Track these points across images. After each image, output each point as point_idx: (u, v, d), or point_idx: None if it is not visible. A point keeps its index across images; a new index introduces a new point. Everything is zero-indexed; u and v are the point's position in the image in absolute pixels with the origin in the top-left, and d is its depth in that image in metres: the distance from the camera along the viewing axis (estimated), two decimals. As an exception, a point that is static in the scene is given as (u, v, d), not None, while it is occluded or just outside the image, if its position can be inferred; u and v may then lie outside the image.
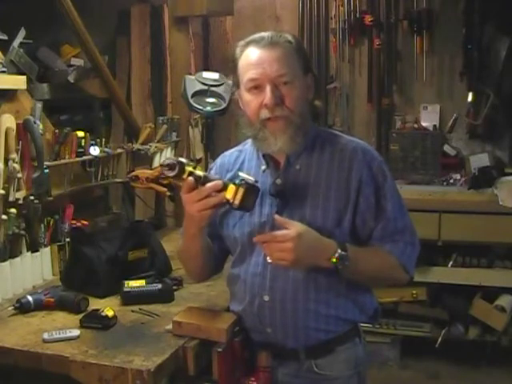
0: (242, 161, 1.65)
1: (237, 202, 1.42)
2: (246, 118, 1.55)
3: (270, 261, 1.47)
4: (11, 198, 1.97)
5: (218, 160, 1.73)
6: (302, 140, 1.53)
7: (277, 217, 1.45)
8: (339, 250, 1.44)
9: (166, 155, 2.79)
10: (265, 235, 1.43)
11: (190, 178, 1.45)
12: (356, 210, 1.51)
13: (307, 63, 1.57)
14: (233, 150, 1.72)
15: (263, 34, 1.52)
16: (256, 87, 1.49)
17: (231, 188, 1.42)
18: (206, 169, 1.91)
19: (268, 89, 1.47)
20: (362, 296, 1.59)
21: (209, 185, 1.44)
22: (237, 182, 1.43)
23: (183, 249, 1.70)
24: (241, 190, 1.41)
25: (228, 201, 1.43)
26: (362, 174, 1.51)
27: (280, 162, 1.57)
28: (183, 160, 1.47)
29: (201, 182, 1.45)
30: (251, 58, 1.50)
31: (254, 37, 1.53)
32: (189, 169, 1.45)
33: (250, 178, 1.44)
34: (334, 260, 1.43)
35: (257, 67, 1.48)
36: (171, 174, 1.44)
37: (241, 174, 1.46)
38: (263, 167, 1.59)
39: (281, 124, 1.49)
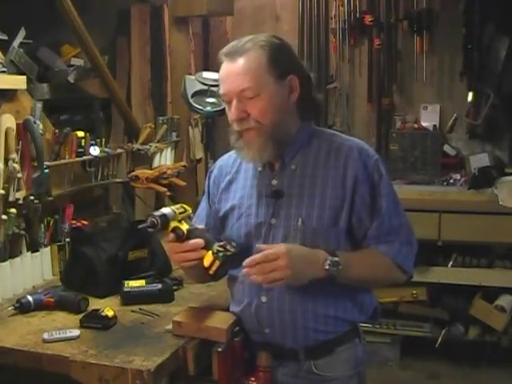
0: (239, 163, 1.66)
1: (211, 272, 1.47)
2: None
3: (265, 286, 1.45)
4: (11, 198, 1.97)
5: (217, 164, 1.74)
6: (275, 149, 1.52)
7: (258, 246, 1.45)
8: (330, 257, 1.44)
9: (166, 155, 2.79)
10: (255, 257, 1.40)
11: (172, 235, 1.48)
12: (352, 209, 1.51)
13: (287, 66, 1.52)
14: (231, 152, 1.72)
15: (237, 41, 1.53)
16: (228, 101, 1.52)
17: (209, 256, 1.46)
18: (205, 170, 1.91)
19: (233, 104, 1.49)
20: (360, 295, 1.59)
21: (191, 242, 1.48)
22: (215, 249, 1.46)
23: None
24: (217, 263, 1.46)
25: (205, 267, 1.47)
26: (358, 172, 1.51)
27: (275, 163, 1.58)
28: (169, 212, 1.49)
29: (184, 237, 1.48)
30: (221, 72, 1.53)
31: (228, 46, 1.54)
32: (173, 224, 1.48)
33: (232, 245, 1.47)
34: (327, 267, 1.43)
35: (224, 82, 1.52)
36: (152, 230, 1.47)
37: (224, 239, 1.49)
38: (259, 168, 1.60)
39: (251, 135, 1.51)
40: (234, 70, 1.49)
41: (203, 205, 1.73)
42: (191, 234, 1.49)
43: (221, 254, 1.45)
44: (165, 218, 1.47)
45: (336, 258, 1.44)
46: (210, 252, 1.46)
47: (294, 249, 1.43)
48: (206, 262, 1.46)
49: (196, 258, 1.49)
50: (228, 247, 1.47)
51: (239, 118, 1.49)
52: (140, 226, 1.47)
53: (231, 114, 1.50)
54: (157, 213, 1.48)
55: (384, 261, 1.53)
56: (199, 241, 1.48)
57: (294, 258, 1.40)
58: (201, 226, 1.57)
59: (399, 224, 1.54)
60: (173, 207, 1.52)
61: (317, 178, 1.53)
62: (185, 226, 1.49)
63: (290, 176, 1.55)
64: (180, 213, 1.51)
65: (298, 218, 1.50)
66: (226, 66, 1.51)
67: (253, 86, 1.47)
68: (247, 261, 1.41)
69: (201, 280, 1.76)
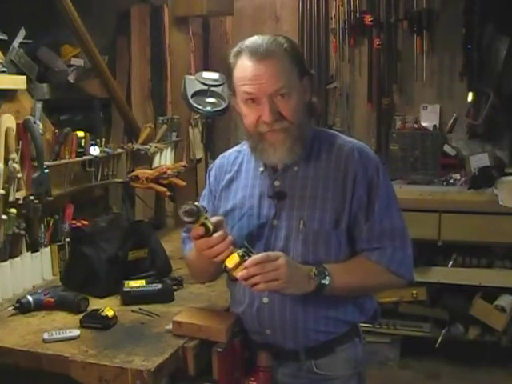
0: (240, 162, 1.65)
1: (235, 274, 1.43)
2: (244, 127, 1.55)
3: (260, 289, 1.42)
4: (11, 198, 1.97)
5: (217, 161, 1.73)
6: (301, 149, 1.52)
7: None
8: (314, 268, 1.44)
9: (166, 155, 2.79)
10: (257, 256, 1.40)
11: (201, 229, 1.45)
12: (351, 211, 1.51)
13: (303, 66, 1.54)
14: (232, 150, 1.71)
15: (258, 40, 1.48)
16: (252, 100, 1.48)
17: (235, 258, 1.44)
18: (205, 170, 1.90)
19: (266, 106, 1.45)
20: (361, 298, 1.59)
21: (216, 235, 1.45)
22: (241, 253, 1.43)
23: (190, 262, 1.71)
24: (243, 267, 1.42)
25: (227, 268, 1.45)
26: (357, 174, 1.51)
27: (277, 164, 1.57)
28: (200, 206, 1.47)
29: (210, 233, 1.46)
30: (246, 71, 1.46)
31: (248, 44, 1.48)
32: (202, 219, 1.45)
33: (253, 250, 1.45)
34: (313, 277, 1.43)
35: (253, 82, 1.45)
36: (188, 220, 1.44)
37: (246, 243, 1.47)
38: (261, 169, 1.59)
39: (280, 136, 1.48)
40: (266, 71, 1.44)
41: (205, 204, 1.72)
42: (216, 231, 1.47)
43: (247, 258, 1.43)
44: (199, 211, 1.45)
45: (321, 268, 1.45)
46: (236, 254, 1.44)
47: (289, 258, 1.44)
48: (231, 264, 1.44)
49: (223, 250, 1.44)
50: (252, 251, 1.45)
51: (274, 120, 1.46)
52: (182, 210, 1.44)
53: (265, 115, 1.45)
54: (190, 204, 1.45)
55: (374, 269, 1.51)
56: (223, 233, 1.45)
57: (290, 261, 1.42)
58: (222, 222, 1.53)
59: (391, 227, 1.52)
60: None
61: (318, 180, 1.53)
62: (210, 224, 1.47)
63: (292, 177, 1.55)
64: (206, 211, 1.50)
65: (299, 219, 1.50)
66: (255, 66, 1.45)
67: (286, 85, 1.46)
68: (248, 261, 1.40)
69: (208, 278, 1.75)
